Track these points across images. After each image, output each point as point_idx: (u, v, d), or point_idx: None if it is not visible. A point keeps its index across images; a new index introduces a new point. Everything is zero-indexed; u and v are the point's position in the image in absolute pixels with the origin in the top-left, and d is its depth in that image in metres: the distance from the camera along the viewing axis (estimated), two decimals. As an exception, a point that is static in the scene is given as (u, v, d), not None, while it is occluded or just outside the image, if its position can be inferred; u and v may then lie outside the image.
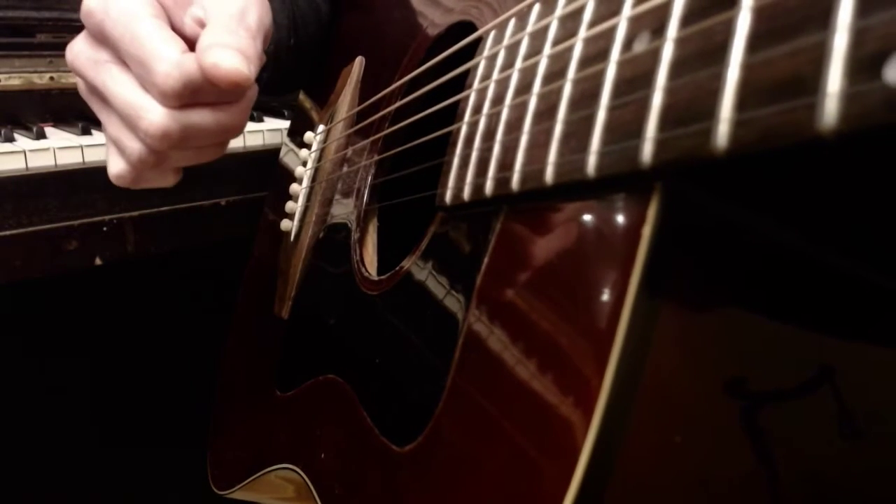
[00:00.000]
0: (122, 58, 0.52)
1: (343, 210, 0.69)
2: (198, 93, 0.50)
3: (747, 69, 0.23)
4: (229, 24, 0.51)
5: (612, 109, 0.30)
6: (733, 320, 0.32)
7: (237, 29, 0.51)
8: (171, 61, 0.49)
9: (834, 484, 0.35)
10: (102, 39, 0.53)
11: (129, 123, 0.52)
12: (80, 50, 0.55)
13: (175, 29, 0.54)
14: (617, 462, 0.30)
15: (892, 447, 0.36)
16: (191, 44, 0.53)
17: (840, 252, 0.31)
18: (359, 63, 0.75)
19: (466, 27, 0.56)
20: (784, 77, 0.22)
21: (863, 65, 0.20)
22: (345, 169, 0.71)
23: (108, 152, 0.58)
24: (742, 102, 0.23)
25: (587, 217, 0.33)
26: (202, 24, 0.54)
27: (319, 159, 0.78)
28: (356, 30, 0.84)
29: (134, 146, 0.53)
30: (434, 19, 0.63)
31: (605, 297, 0.31)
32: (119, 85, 0.52)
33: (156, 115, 0.50)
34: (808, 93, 0.21)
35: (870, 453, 0.36)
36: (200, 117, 0.52)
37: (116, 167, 0.57)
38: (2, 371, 1.13)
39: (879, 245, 0.31)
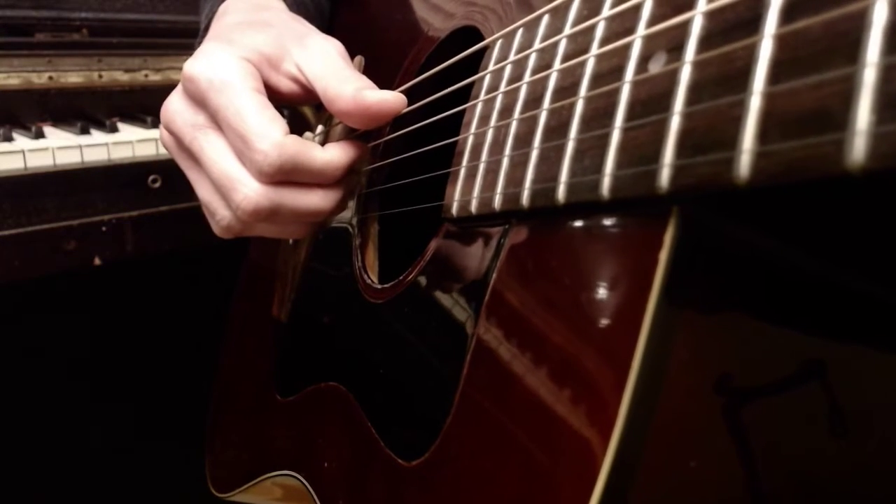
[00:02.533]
0: (220, 125, 0.53)
1: (343, 213, 0.68)
2: (291, 173, 0.52)
3: (770, 98, 0.23)
4: (349, 72, 0.54)
5: (627, 130, 0.29)
6: (748, 342, 0.32)
7: (358, 74, 0.55)
8: (272, 141, 0.50)
9: (829, 487, 0.35)
10: (202, 104, 0.54)
11: (223, 192, 0.54)
12: (177, 110, 0.56)
13: (270, 87, 0.56)
14: (634, 485, 0.30)
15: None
16: (286, 98, 0.57)
17: (859, 273, 0.31)
18: (358, 63, 0.74)
19: (470, 32, 0.55)
20: (809, 109, 0.21)
21: (893, 101, 0.19)
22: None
23: (205, 213, 0.60)
24: (765, 133, 0.23)
25: (601, 238, 0.33)
26: (296, 80, 0.57)
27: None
28: (352, 27, 0.83)
29: (224, 214, 0.55)
30: (436, 22, 0.63)
31: (622, 322, 0.30)
32: (216, 153, 0.54)
33: (250, 190, 0.52)
34: (836, 128, 0.20)
35: (862, 454, 0.36)
36: (291, 196, 0.53)
37: (213, 228, 0.59)
38: (2, 372, 1.12)
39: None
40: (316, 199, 0.55)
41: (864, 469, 0.36)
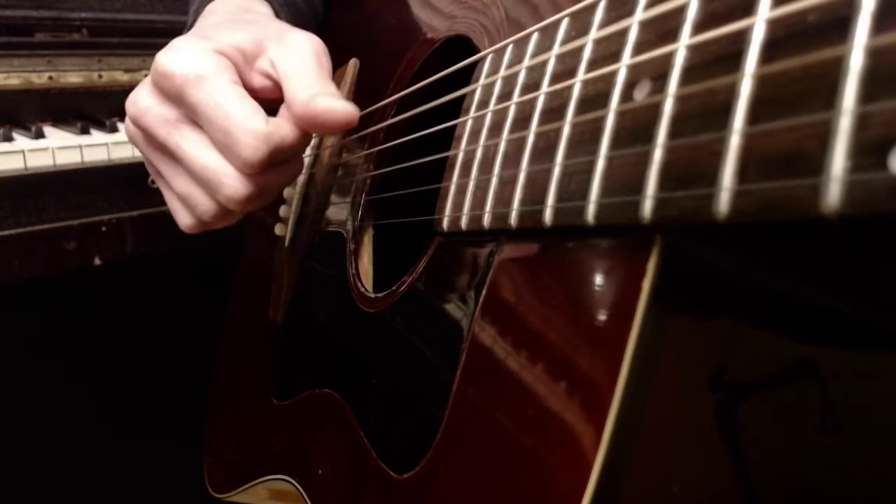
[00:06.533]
0: (196, 119, 0.53)
1: (338, 218, 0.68)
2: (275, 157, 0.52)
3: (749, 137, 0.23)
4: (315, 74, 0.54)
5: (611, 159, 0.29)
6: (735, 360, 0.32)
7: (325, 77, 0.54)
8: (258, 135, 0.50)
9: (820, 490, 0.35)
10: (178, 100, 0.53)
11: (207, 186, 0.54)
12: (148, 106, 0.55)
13: (244, 83, 0.55)
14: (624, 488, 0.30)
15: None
16: (258, 95, 0.56)
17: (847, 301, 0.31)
18: (353, 65, 0.74)
19: (462, 42, 0.55)
20: (787, 151, 0.21)
21: (867, 149, 0.19)
22: (339, 174, 0.70)
23: (174, 206, 0.60)
24: (744, 171, 0.23)
25: (587, 262, 0.33)
26: (269, 77, 0.56)
27: (313, 164, 0.77)
28: (349, 27, 0.82)
29: (207, 204, 0.55)
30: (429, 30, 0.62)
31: (607, 347, 0.30)
32: (196, 149, 0.53)
33: (238, 182, 0.52)
34: (812, 172, 0.20)
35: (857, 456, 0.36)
36: (274, 177, 0.54)
37: (186, 220, 0.59)
38: (2, 372, 1.12)
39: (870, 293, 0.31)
40: (296, 168, 0.56)
41: (859, 469, 0.36)
